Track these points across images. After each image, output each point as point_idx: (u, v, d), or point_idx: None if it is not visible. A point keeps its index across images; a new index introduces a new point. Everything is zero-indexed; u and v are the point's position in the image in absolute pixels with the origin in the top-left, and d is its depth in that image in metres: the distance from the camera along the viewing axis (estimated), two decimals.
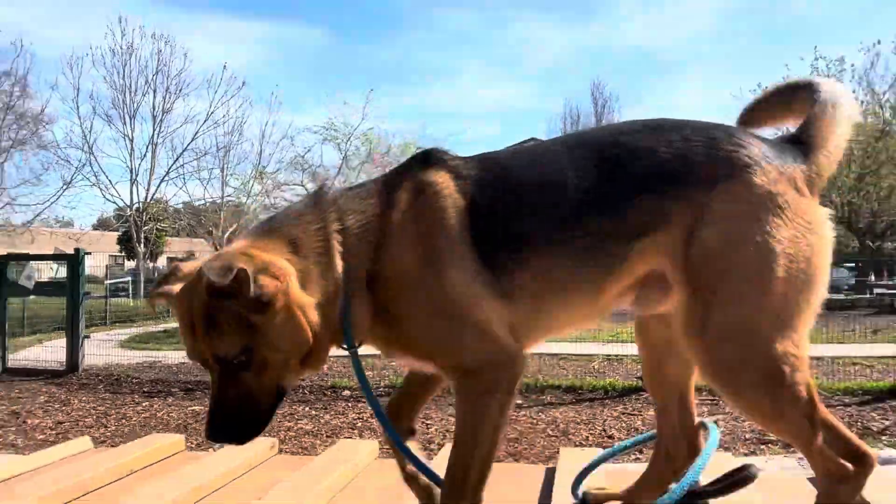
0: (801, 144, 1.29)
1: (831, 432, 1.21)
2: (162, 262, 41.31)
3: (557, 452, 2.05)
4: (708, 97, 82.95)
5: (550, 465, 2.04)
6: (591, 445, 5.36)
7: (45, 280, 18.40)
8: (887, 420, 5.79)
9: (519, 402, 7.52)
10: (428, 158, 1.36)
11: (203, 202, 31.62)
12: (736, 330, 1.20)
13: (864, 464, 1.20)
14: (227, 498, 1.93)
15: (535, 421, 6.56)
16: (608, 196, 1.27)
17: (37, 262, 15.18)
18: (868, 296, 14.56)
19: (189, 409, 7.82)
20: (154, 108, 30.22)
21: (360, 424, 6.55)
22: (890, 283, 16.49)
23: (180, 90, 30.30)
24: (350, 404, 7.56)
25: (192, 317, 1.17)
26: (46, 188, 23.54)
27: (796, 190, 1.22)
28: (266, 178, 22.80)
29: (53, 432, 7.13)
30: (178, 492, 1.85)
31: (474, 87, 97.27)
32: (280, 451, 2.48)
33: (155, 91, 30.22)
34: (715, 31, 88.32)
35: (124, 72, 29.79)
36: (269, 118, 32.30)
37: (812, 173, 1.25)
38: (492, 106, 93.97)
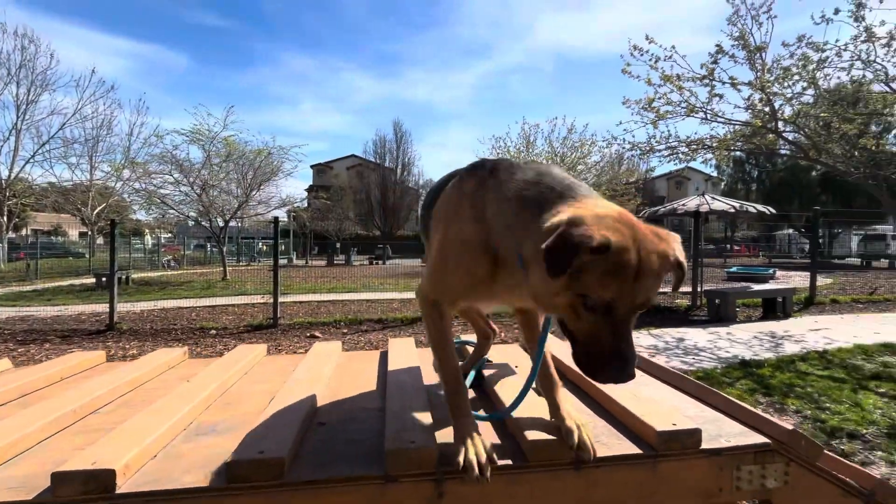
0: None
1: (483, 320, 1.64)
2: (25, 232, 32.00)
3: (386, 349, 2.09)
4: (463, 138, 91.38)
5: (384, 350, 2.07)
6: None
7: None
8: None
9: (344, 331, 7.55)
10: (482, 164, 1.37)
11: (70, 183, 25.20)
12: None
13: (495, 332, 1.63)
14: (161, 383, 1.69)
15: (356, 342, 6.68)
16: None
17: None
18: None
19: (68, 350, 6.41)
20: (18, 98, 22.95)
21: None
22: None
23: (46, 85, 23.40)
24: (216, 340, 6.90)
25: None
26: None
27: None
28: (137, 167, 18.91)
29: None
30: (115, 384, 1.57)
31: (310, 115, 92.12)
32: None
33: (19, 83, 23.05)
34: (470, 98, 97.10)
35: None
36: (137, 119, 26.86)
37: None
38: (323, 129, 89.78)
